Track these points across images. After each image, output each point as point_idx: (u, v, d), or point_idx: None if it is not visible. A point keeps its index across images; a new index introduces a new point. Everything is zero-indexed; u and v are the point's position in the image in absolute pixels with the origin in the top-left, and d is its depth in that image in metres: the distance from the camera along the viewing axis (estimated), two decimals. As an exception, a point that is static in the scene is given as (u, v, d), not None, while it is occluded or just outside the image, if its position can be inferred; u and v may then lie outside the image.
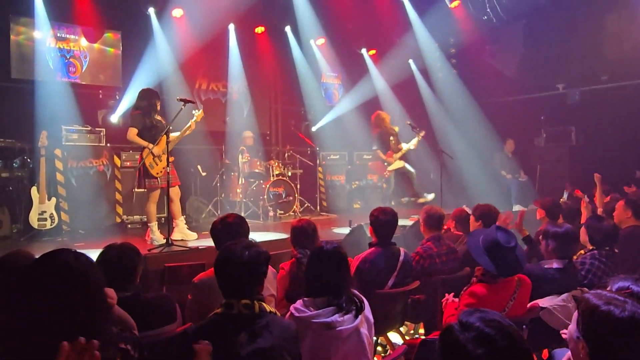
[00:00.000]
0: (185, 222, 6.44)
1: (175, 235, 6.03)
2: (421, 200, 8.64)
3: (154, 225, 6.07)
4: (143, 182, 5.96)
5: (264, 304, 2.22)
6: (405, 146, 8.83)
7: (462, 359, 1.33)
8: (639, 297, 1.86)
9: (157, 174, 5.89)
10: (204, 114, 6.19)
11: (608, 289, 1.99)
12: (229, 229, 3.39)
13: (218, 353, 2.07)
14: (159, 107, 6.09)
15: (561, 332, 1.82)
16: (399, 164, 8.86)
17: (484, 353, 1.30)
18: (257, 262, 2.26)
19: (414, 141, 8.74)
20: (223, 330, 2.12)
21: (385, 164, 8.89)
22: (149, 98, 6.01)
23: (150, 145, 5.85)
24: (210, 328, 2.17)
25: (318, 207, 9.62)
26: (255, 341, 2.07)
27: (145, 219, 7.29)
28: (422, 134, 8.71)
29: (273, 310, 2.28)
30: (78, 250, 1.93)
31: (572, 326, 1.70)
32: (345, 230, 6.54)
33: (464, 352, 1.32)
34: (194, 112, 6.04)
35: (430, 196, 8.60)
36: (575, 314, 1.69)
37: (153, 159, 5.86)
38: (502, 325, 1.34)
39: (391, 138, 8.98)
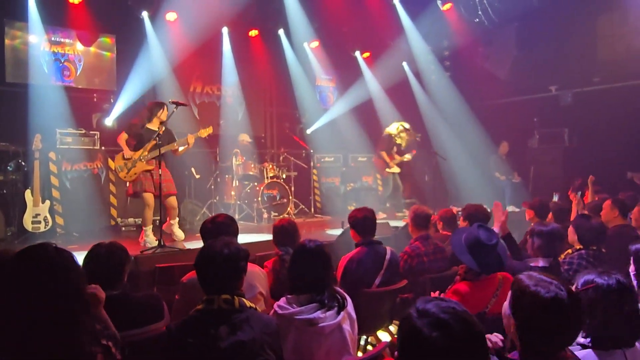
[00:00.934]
0: (177, 224, 6.57)
1: (165, 229, 6.22)
2: (398, 214, 8.92)
3: (148, 229, 6.17)
4: (131, 188, 6.16)
5: (244, 299, 2.27)
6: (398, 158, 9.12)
7: (419, 343, 1.37)
8: (603, 289, 1.92)
9: (124, 178, 6.07)
10: (203, 128, 6.47)
11: (575, 284, 2.05)
12: (219, 229, 3.44)
13: (199, 347, 2.11)
14: (157, 116, 6.19)
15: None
16: (396, 169, 9.10)
17: (439, 336, 1.34)
18: (236, 258, 2.32)
19: (408, 156, 9.27)
20: (204, 325, 2.17)
21: (387, 165, 9.12)
22: (149, 109, 6.26)
23: (126, 149, 6.05)
24: (192, 324, 2.22)
25: (312, 209, 9.67)
26: (236, 334, 2.12)
27: (140, 222, 7.42)
28: (412, 153, 9.38)
29: (253, 305, 2.33)
30: (58, 245, 1.98)
31: (506, 303, 1.86)
32: (339, 232, 6.58)
33: (421, 336, 1.36)
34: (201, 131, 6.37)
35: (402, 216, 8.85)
36: (510, 293, 1.84)
37: (124, 163, 6.01)
38: (456, 311, 1.39)
39: (394, 146, 9.21)
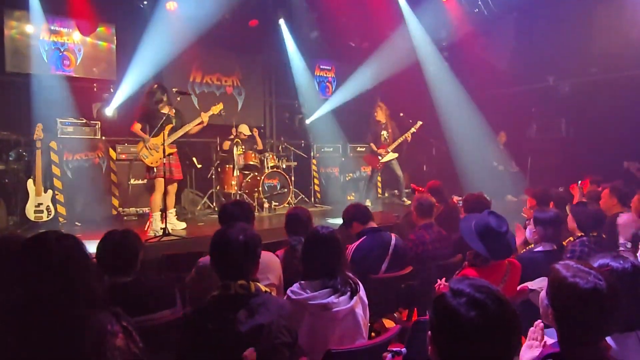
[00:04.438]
0: (175, 213, 6.69)
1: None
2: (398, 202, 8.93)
3: (157, 214, 6.20)
4: (147, 173, 6.25)
5: (259, 284, 2.30)
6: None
7: (455, 323, 1.38)
8: (618, 273, 1.96)
9: (151, 164, 6.09)
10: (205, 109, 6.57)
11: None
12: (236, 214, 3.47)
13: (218, 332, 2.14)
14: (163, 99, 6.34)
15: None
16: (391, 155, 9.08)
17: (476, 315, 1.35)
18: (252, 244, 2.34)
19: (408, 133, 9.09)
20: (222, 310, 2.20)
21: (379, 157, 9.11)
22: (154, 93, 6.37)
23: (146, 137, 6.08)
24: (210, 309, 2.25)
25: (312, 199, 9.72)
26: (254, 318, 2.15)
27: (140, 211, 7.48)
28: (418, 125, 8.98)
29: (268, 290, 2.36)
30: (65, 233, 1.95)
31: (543, 293, 1.88)
32: (340, 221, 6.60)
33: (457, 316, 1.37)
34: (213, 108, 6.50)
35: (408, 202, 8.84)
36: (547, 281, 1.85)
37: (148, 150, 6.01)
38: (490, 290, 1.40)
39: (383, 132, 9.19)
